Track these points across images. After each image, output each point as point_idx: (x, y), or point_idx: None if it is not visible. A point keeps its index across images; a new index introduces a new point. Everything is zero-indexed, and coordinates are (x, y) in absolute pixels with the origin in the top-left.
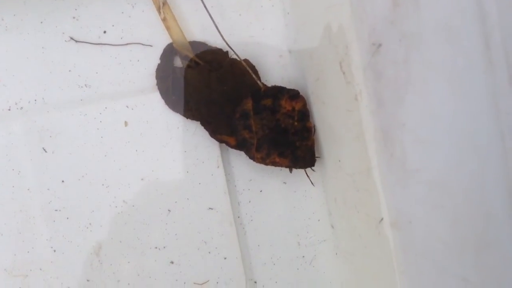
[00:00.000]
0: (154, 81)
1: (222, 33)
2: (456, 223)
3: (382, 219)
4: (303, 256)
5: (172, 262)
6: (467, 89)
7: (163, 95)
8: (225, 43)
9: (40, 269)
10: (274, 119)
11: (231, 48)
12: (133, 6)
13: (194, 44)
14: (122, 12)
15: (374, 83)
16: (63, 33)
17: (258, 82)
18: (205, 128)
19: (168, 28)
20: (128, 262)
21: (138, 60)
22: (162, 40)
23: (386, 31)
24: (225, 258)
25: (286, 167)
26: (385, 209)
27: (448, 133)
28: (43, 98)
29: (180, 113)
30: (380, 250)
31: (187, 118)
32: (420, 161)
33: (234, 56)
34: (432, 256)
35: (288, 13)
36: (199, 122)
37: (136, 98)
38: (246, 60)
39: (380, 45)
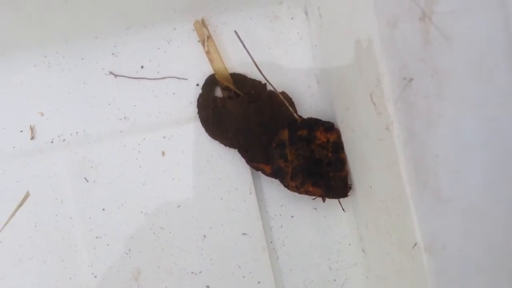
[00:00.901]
0: (189, 113)
1: (259, 66)
2: (491, 249)
3: (415, 244)
4: (335, 280)
5: (208, 287)
6: (498, 122)
7: (203, 123)
8: (262, 76)
9: None
10: (309, 150)
11: (268, 81)
12: (168, 42)
13: (234, 76)
14: (159, 48)
15: (406, 115)
16: (103, 68)
17: (294, 114)
18: (242, 156)
19: (210, 61)
20: (166, 287)
21: (174, 93)
22: (196, 73)
23: (417, 67)
24: (259, 283)
25: (319, 196)
26: (419, 234)
27: (482, 163)
28: (84, 130)
29: (219, 141)
30: (413, 274)
31: (225, 145)
32: (454, 190)
33: (271, 88)
34: (466, 281)
35: (316, 46)
36: (236, 150)
37: (172, 129)
38: (283, 93)
39: (411, 79)
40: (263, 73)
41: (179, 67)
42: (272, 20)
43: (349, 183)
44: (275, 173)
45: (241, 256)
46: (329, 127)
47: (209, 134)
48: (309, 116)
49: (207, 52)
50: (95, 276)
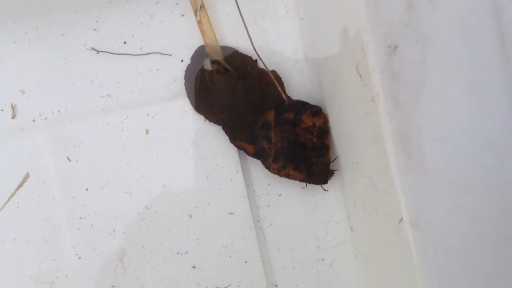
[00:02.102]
0: (174, 89)
1: (252, 41)
2: (475, 219)
3: (401, 219)
4: (323, 259)
5: (194, 267)
6: (483, 87)
7: (189, 95)
8: (254, 52)
9: (66, 276)
10: (294, 133)
11: (260, 58)
12: (151, 17)
13: (225, 49)
14: (141, 23)
15: (391, 85)
16: (85, 44)
17: (283, 94)
18: (226, 133)
19: (202, 31)
20: (151, 268)
21: (158, 69)
22: (180, 49)
23: (402, 32)
24: (246, 262)
25: (299, 181)
26: (404, 209)
27: (465, 131)
28: (66, 109)
29: (203, 115)
30: (400, 250)
31: (209, 121)
32: (438, 160)
33: (262, 66)
34: (452, 254)
35: (303, 19)
36: (220, 127)
37: (156, 106)
38: (273, 72)
39: (396, 47)
40: (255, 48)
41: (163, 43)
42: None
43: (331, 169)
44: (257, 154)
45: (228, 235)
46: (317, 111)
47: (194, 107)
48: (298, 99)
49: (199, 22)
50: (79, 257)
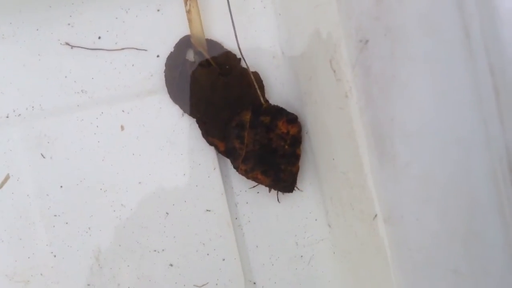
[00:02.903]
0: (150, 85)
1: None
2: (444, 215)
3: (376, 215)
4: (302, 256)
5: (171, 265)
6: (449, 81)
7: (167, 84)
8: (239, 51)
9: (41, 274)
10: (267, 137)
11: (243, 58)
12: (126, 12)
13: (210, 42)
14: (116, 18)
15: (363, 80)
16: (59, 39)
17: (261, 97)
18: (199, 127)
19: (189, 21)
20: (128, 266)
21: (133, 65)
22: (156, 44)
23: (372, 26)
24: (223, 260)
25: (265, 185)
26: (378, 205)
27: (433, 125)
28: (40, 105)
29: (179, 105)
30: (375, 246)
31: (184, 112)
32: (409, 155)
33: (245, 66)
34: (424, 249)
35: (279, 14)
36: (194, 120)
37: (131, 102)
38: (255, 73)
39: (367, 41)
40: (240, 47)
41: (138, 38)
42: None
43: (297, 187)
44: (228, 152)
45: (205, 233)
46: (293, 119)
47: (171, 97)
48: (276, 104)
49: (188, 12)
50: (54, 256)
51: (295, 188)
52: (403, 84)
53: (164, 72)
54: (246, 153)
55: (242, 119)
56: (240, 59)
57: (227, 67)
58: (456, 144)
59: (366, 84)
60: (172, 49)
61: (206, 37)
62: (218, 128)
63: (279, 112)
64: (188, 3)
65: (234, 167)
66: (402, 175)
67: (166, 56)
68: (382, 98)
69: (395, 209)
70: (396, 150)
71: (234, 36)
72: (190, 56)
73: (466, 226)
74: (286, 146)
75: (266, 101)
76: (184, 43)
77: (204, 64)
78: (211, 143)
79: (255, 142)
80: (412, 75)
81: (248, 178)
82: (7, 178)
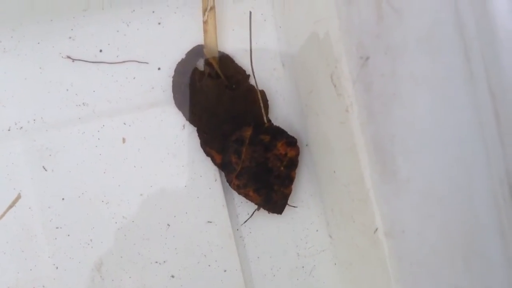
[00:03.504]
0: (151, 98)
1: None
2: (446, 231)
3: (377, 228)
4: (303, 267)
5: (172, 276)
6: (449, 100)
7: (174, 89)
8: (250, 68)
9: (43, 287)
10: (264, 156)
11: (253, 75)
12: (127, 25)
13: (222, 55)
14: (117, 31)
15: (364, 96)
16: (60, 53)
17: (265, 116)
18: (198, 135)
19: (205, 31)
20: (130, 277)
21: (134, 78)
22: (157, 57)
23: (372, 44)
24: (225, 271)
25: (255, 203)
26: (379, 219)
27: (433, 143)
28: (41, 118)
29: (182, 112)
30: (376, 259)
31: (186, 119)
32: (410, 171)
33: (253, 83)
34: (425, 264)
35: (280, 27)
36: (195, 129)
37: (133, 114)
38: (262, 92)
39: (368, 58)
40: (253, 65)
41: (139, 51)
42: (235, 1)
43: (292, 205)
44: (223, 165)
45: (207, 244)
46: (292, 143)
47: (175, 102)
48: (278, 125)
49: (204, 22)
50: (57, 268)
51: (286, 207)
52: (403, 102)
53: (172, 77)
54: (241, 168)
55: (243, 135)
56: (249, 76)
57: (235, 81)
58: (457, 163)
59: (367, 100)
60: (184, 56)
61: (219, 49)
62: (218, 140)
63: (279, 133)
64: (206, 13)
65: (227, 181)
66: (403, 190)
67: (177, 63)
68: (383, 114)
69: (396, 223)
70: (398, 166)
71: (243, 51)
72: (200, 65)
73: (467, 243)
74: (282, 168)
75: (269, 120)
76: (196, 52)
77: (213, 75)
78: (208, 154)
79: (252, 159)
80: (413, 94)
81: (239, 193)
82: (18, 197)
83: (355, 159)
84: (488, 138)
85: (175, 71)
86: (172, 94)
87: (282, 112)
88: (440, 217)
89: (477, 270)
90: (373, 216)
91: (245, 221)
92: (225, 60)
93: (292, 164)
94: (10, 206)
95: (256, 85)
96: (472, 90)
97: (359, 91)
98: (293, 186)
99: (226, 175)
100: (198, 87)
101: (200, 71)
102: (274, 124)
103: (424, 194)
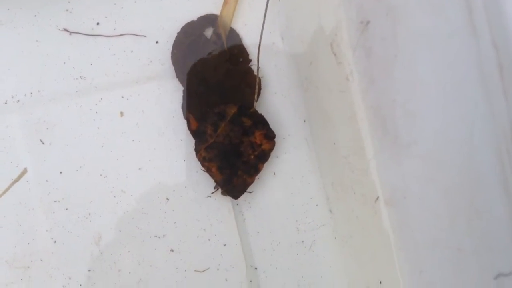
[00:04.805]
0: (149, 71)
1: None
2: (448, 194)
3: (377, 197)
4: (303, 241)
5: (172, 250)
6: (452, 57)
7: (175, 45)
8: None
9: (41, 260)
10: (240, 139)
11: (258, 62)
12: None
13: (232, 31)
14: (115, 4)
15: (364, 62)
16: (57, 26)
17: (255, 102)
18: (183, 96)
19: (225, 3)
20: (129, 251)
21: (132, 51)
22: (155, 30)
23: (373, 7)
24: (224, 245)
25: (214, 181)
26: (380, 188)
27: (436, 103)
28: (39, 91)
29: (175, 69)
30: (377, 229)
31: (177, 77)
32: (411, 135)
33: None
34: (427, 229)
35: (279, 0)
36: (183, 89)
37: (131, 88)
38: (259, 78)
39: (368, 22)
40: (259, 52)
41: (137, 24)
42: None
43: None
44: (196, 134)
45: (206, 218)
46: (270, 136)
47: (172, 59)
48: (263, 115)
49: None
50: (55, 241)
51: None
52: (405, 63)
53: (177, 33)
54: (213, 142)
55: (226, 110)
56: (251, 60)
57: (236, 59)
58: (460, 121)
59: (368, 66)
60: (194, 18)
61: (231, 25)
62: (200, 107)
63: (262, 123)
64: None
65: (195, 149)
66: (404, 156)
67: (178, 31)
68: (383, 79)
69: (397, 191)
70: (398, 131)
71: (252, 34)
72: (208, 33)
73: (470, 203)
74: (252, 156)
75: (255, 109)
76: (208, 19)
77: (218, 43)
78: (186, 117)
79: (227, 137)
80: (414, 54)
81: (202, 165)
82: (24, 172)
83: (356, 128)
84: (491, 92)
85: (182, 28)
86: (170, 67)
87: (281, 86)
88: (441, 180)
89: (480, 230)
90: (373, 185)
91: (210, 195)
92: (234, 38)
93: (263, 156)
94: (16, 181)
95: (257, 71)
96: (475, 44)
97: (360, 57)
98: (256, 177)
99: (196, 144)
100: (200, 49)
101: (206, 38)
102: (270, 104)
103: (425, 158)
